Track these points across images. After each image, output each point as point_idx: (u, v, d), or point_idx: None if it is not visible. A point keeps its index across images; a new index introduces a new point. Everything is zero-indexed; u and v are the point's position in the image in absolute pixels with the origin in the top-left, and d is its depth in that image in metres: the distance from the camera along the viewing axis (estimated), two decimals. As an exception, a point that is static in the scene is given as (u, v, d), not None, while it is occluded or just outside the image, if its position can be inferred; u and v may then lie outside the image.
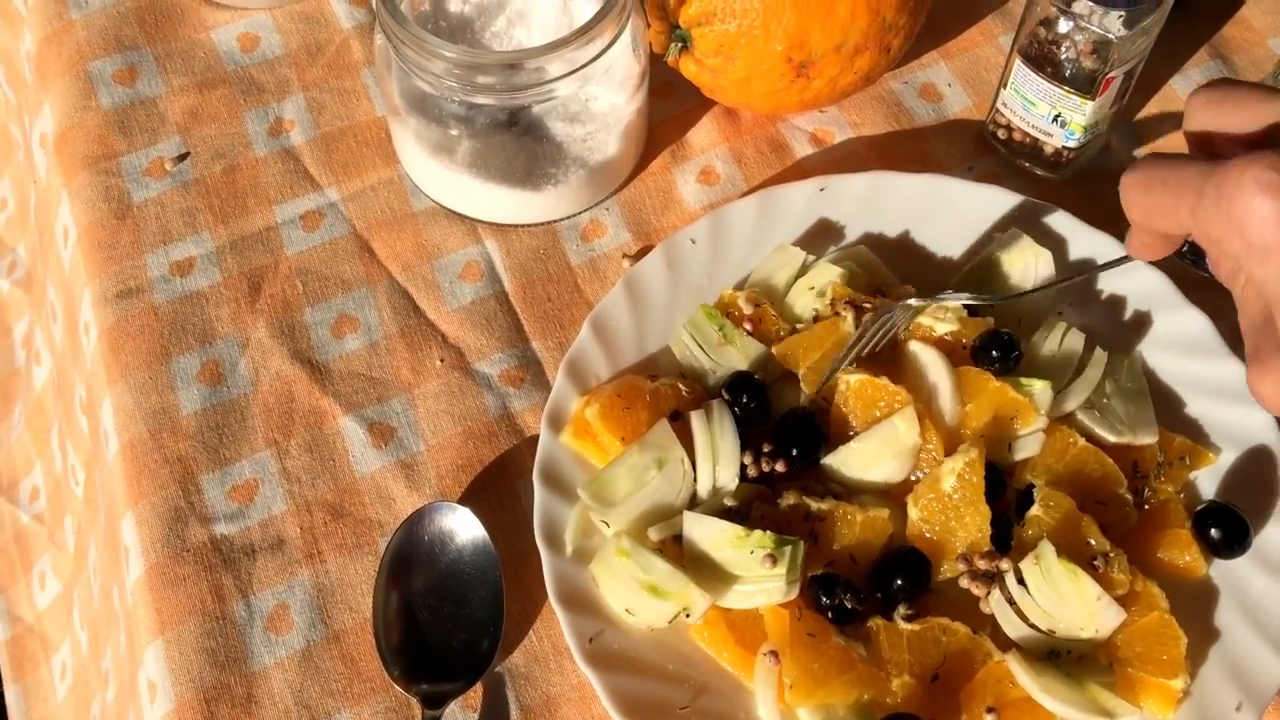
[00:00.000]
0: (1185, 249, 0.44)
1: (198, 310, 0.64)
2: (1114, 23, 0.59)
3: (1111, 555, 0.52)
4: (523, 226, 0.66)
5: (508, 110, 0.62)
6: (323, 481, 0.59)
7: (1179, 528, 0.54)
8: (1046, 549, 0.51)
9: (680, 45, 0.64)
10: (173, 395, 0.61)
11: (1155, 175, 0.41)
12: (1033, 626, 0.52)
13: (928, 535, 0.54)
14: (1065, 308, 0.61)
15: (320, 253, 0.66)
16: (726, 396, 0.57)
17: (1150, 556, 0.54)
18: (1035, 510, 0.53)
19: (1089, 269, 0.56)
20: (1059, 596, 0.51)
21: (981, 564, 0.53)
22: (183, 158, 0.69)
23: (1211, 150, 0.41)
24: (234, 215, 0.67)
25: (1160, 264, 0.60)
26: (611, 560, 0.53)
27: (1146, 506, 0.55)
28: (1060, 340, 0.58)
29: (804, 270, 0.61)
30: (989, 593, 0.52)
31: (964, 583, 0.53)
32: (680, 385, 0.58)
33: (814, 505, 0.54)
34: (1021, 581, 0.51)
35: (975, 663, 0.52)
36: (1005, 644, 0.52)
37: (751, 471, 0.56)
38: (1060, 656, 0.52)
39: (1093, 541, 0.52)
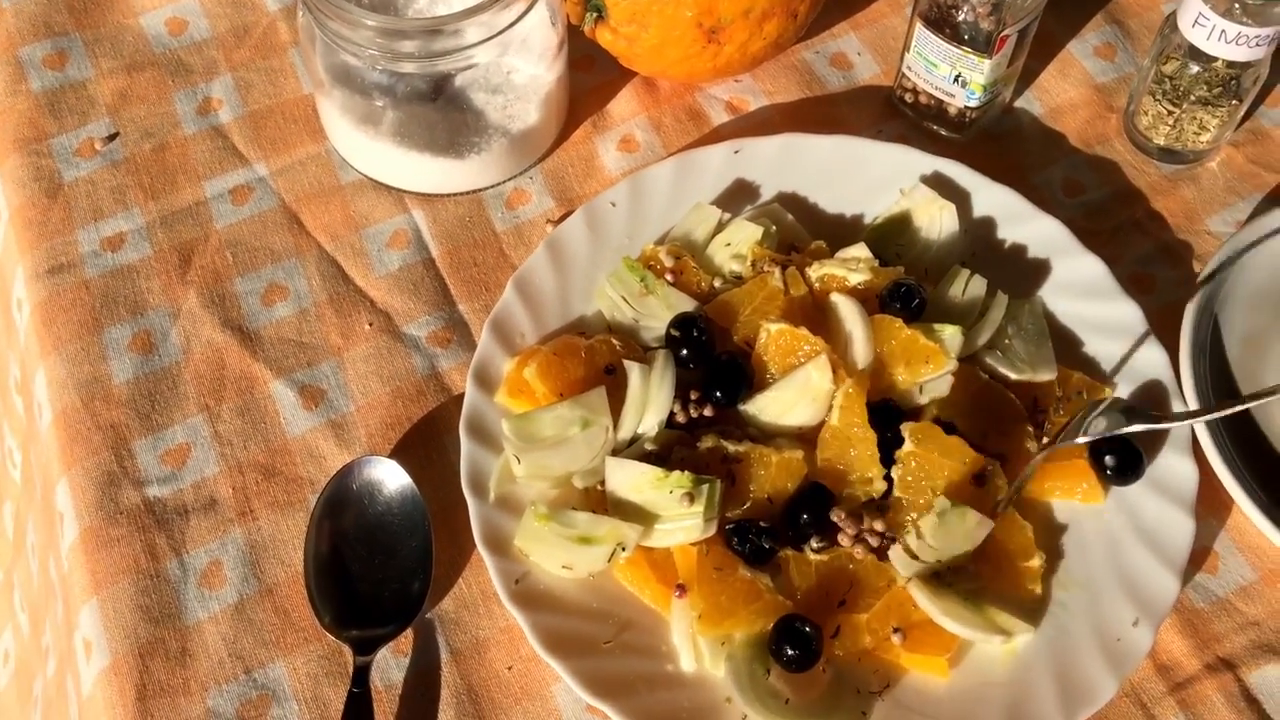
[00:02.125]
0: None
1: (129, 283, 0.65)
2: (1006, -16, 0.62)
3: (989, 468, 0.55)
4: (449, 196, 0.68)
5: (431, 80, 0.63)
6: (254, 443, 0.61)
7: (1077, 458, 0.57)
8: (944, 505, 0.53)
9: (595, 15, 0.66)
10: (105, 365, 0.63)
11: None
12: (923, 563, 0.54)
13: (831, 470, 0.56)
14: (969, 257, 0.64)
15: (249, 225, 0.67)
16: (675, 333, 0.58)
17: (1050, 485, 0.57)
18: (908, 446, 0.55)
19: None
20: (953, 537, 0.53)
21: (877, 526, 0.54)
22: (112, 138, 0.70)
23: None
24: (164, 191, 0.68)
25: (1057, 213, 0.64)
26: (534, 528, 0.54)
27: (1046, 439, 0.58)
28: (964, 287, 0.61)
29: (721, 228, 0.64)
30: (876, 548, 0.54)
31: (847, 543, 0.54)
32: (614, 341, 0.60)
33: (731, 448, 0.56)
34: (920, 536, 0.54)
35: (880, 589, 0.54)
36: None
37: (680, 418, 0.57)
38: (942, 576, 0.54)
39: (968, 461, 0.55)
